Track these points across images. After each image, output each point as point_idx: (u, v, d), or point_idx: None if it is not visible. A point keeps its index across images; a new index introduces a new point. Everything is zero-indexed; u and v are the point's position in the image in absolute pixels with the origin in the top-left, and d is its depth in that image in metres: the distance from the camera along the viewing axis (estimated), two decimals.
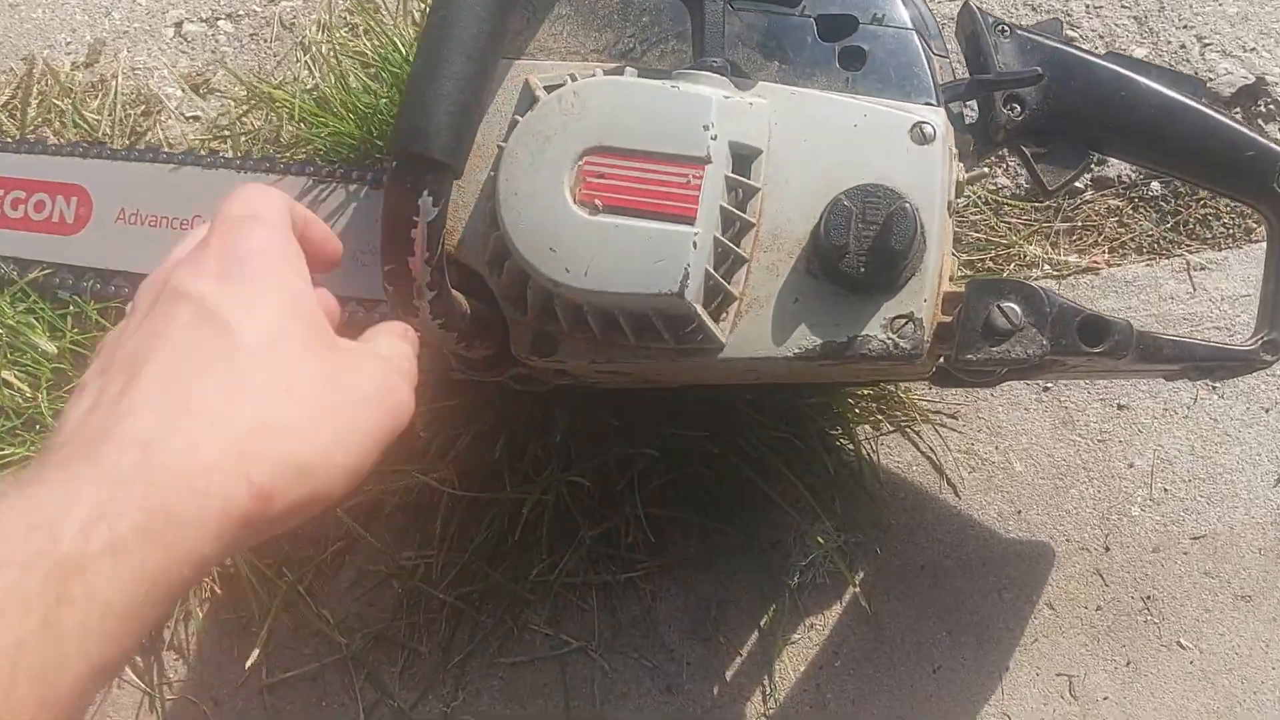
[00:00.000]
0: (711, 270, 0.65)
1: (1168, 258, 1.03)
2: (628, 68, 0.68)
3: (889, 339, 0.68)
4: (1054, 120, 0.79)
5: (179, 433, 0.42)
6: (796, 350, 0.68)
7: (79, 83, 1.18)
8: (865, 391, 0.97)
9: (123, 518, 0.39)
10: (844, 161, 0.68)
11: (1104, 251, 1.03)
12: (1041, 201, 1.04)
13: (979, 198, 1.04)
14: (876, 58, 0.72)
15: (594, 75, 0.66)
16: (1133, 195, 1.05)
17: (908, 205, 0.65)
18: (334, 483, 0.47)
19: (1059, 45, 0.79)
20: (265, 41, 1.20)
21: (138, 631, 0.40)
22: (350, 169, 1.00)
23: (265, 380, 0.45)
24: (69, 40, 1.21)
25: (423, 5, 1.07)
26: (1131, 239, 1.03)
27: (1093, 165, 1.05)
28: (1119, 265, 1.03)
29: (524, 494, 0.93)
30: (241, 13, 1.21)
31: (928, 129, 0.69)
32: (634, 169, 0.63)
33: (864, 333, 0.68)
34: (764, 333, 0.68)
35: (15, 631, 0.36)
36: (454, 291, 0.67)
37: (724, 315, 0.68)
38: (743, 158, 0.67)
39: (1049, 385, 0.99)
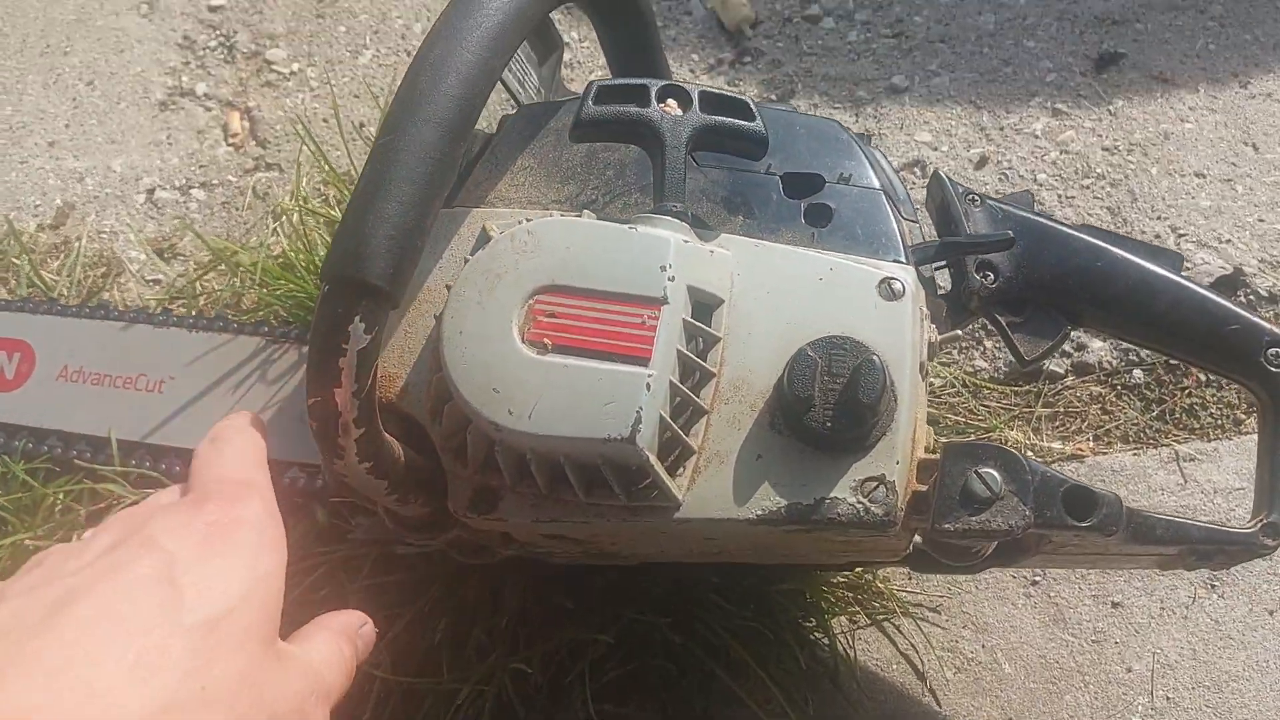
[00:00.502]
0: (668, 418, 0.61)
1: (1155, 447, 0.99)
2: (586, 211, 0.66)
3: (859, 503, 0.63)
4: (1029, 289, 0.77)
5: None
6: (760, 511, 0.63)
7: (42, 243, 1.18)
8: (840, 578, 0.91)
9: None
10: (809, 315, 0.66)
11: (1088, 439, 1.00)
12: (1021, 385, 1.02)
13: (956, 379, 1.02)
14: (843, 215, 0.71)
15: (549, 217, 0.65)
16: (1115, 382, 1.02)
17: (875, 358, 0.62)
18: None
19: (1031, 215, 0.79)
20: (237, 210, 1.20)
21: None
22: (306, 330, 0.97)
23: (187, 671, 0.43)
24: (38, 203, 1.22)
25: None
26: (1116, 427, 1.00)
27: (1072, 351, 1.03)
28: (1105, 454, 0.99)
29: (461, 682, 0.85)
30: (215, 182, 1.22)
31: (896, 285, 0.67)
32: (587, 308, 0.60)
33: (832, 495, 0.63)
34: (725, 491, 0.63)
35: None
36: (389, 437, 0.62)
37: (681, 470, 0.63)
38: (703, 305, 0.64)
39: (1037, 578, 0.93)
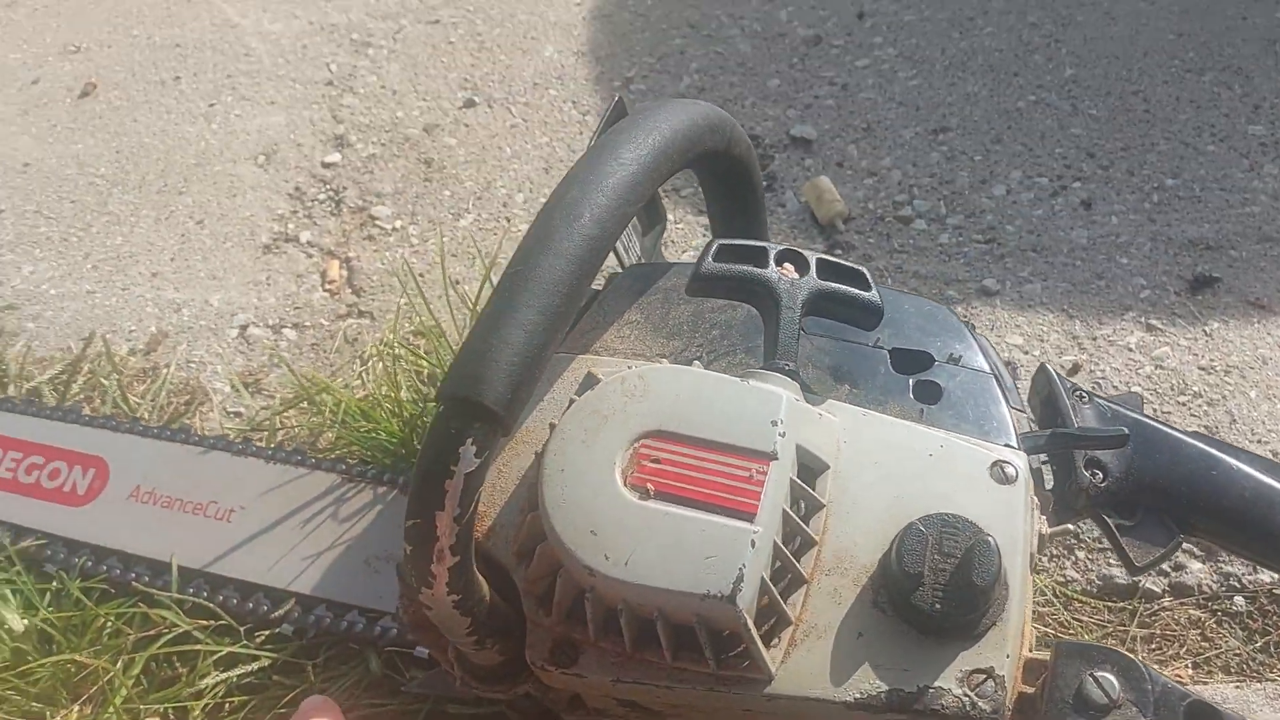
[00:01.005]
0: (768, 581, 0.58)
1: (1259, 681, 0.93)
2: (695, 363, 0.66)
3: (965, 695, 0.59)
4: (1139, 493, 0.75)
5: None
6: (857, 695, 0.59)
7: (131, 367, 1.20)
8: None
9: None
10: (918, 490, 0.64)
11: (1187, 666, 0.94)
12: (1115, 601, 0.97)
13: (1047, 588, 0.97)
14: (953, 395, 0.70)
15: (660, 364, 0.64)
16: (1215, 608, 0.97)
17: (991, 540, 0.59)
18: None
19: (1141, 417, 0.77)
20: (325, 353, 1.22)
21: None
22: (383, 471, 0.97)
23: None
24: (133, 329, 1.25)
25: None
26: (1217, 656, 0.94)
27: (1170, 571, 0.99)
28: (1205, 683, 0.93)
29: None
30: (308, 324, 1.25)
31: (1009, 468, 0.65)
32: (693, 457, 0.59)
33: (937, 684, 0.59)
34: (821, 669, 0.59)
35: None
36: (478, 574, 0.60)
37: (776, 641, 0.60)
38: (809, 469, 0.63)
39: None
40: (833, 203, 1.28)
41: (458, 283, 1.26)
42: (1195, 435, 0.77)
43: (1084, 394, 0.78)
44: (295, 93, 1.54)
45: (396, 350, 1.11)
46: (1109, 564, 0.98)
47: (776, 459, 0.59)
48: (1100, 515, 0.75)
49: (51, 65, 1.63)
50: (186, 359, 1.21)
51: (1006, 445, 0.68)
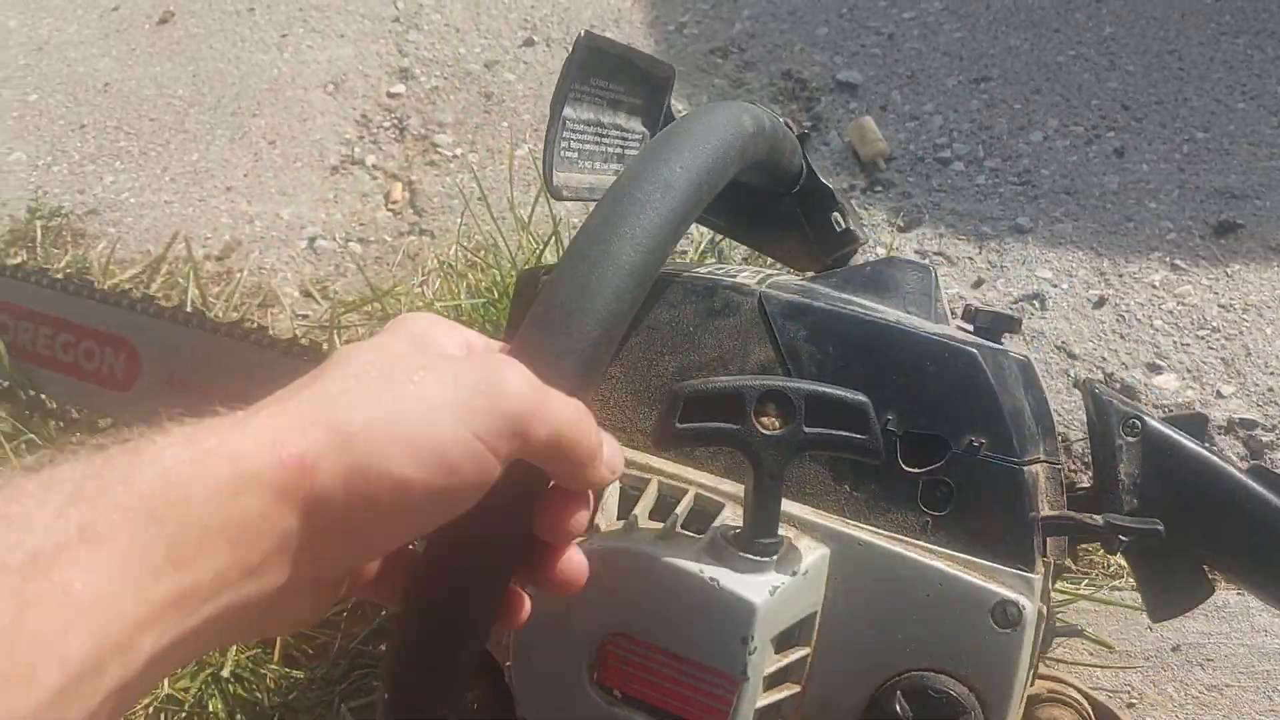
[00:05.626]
0: None
1: None
2: (663, 543, 0.43)
3: None
4: (1176, 541, 0.52)
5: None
6: None
7: (207, 270, 1.01)
8: None
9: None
10: (910, 636, 0.43)
11: None
12: None
13: None
14: (965, 498, 0.47)
15: (625, 543, 0.43)
16: None
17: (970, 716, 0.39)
18: (390, 459, 0.29)
19: (1199, 452, 0.52)
20: (388, 265, 1.01)
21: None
22: None
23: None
24: (208, 236, 1.05)
25: (531, 258, 0.86)
26: None
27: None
28: None
29: None
30: (372, 239, 1.03)
31: (1013, 609, 0.43)
32: (660, 663, 0.40)
33: None
34: None
35: None
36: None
37: None
38: (789, 634, 0.43)
39: None
40: (875, 142, 0.99)
41: (512, 206, 1.02)
42: (1254, 472, 0.53)
43: (1137, 422, 0.53)
44: (363, 27, 1.24)
45: (461, 264, 0.89)
46: None
47: (746, 680, 0.39)
48: (1131, 560, 0.54)
49: None
50: (259, 265, 1.02)
51: (1019, 569, 0.46)
